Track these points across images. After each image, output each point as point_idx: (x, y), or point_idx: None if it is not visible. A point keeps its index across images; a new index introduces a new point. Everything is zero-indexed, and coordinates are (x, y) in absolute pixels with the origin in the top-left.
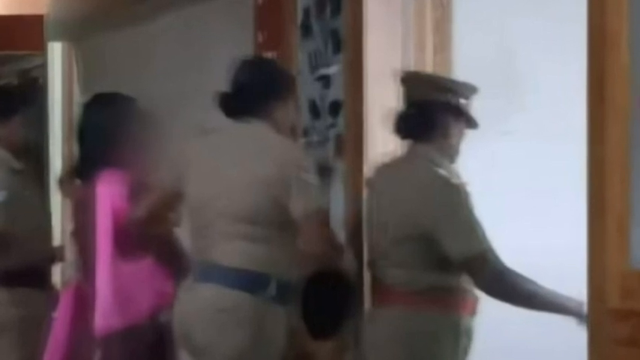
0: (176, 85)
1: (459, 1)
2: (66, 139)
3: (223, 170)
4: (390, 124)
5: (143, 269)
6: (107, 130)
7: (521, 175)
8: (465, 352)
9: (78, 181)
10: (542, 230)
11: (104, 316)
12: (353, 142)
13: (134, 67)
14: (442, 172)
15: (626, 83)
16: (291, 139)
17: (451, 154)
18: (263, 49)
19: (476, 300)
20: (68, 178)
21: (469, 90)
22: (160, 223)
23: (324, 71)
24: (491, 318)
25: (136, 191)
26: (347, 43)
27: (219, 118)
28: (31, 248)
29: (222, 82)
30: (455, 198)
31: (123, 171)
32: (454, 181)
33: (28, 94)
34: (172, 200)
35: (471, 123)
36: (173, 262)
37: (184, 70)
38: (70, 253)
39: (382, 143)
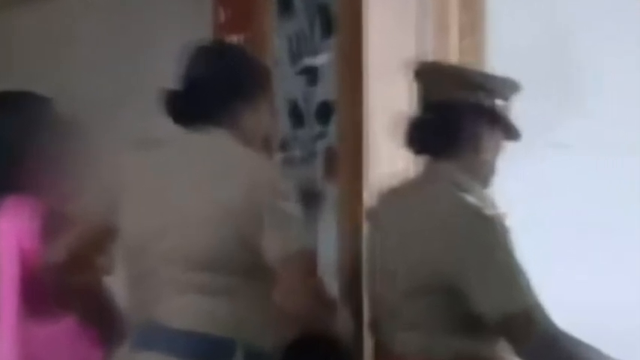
0: (107, 82)
1: None
2: None
3: (171, 197)
4: (399, 134)
5: (62, 333)
6: (12, 142)
7: (581, 202)
8: None
9: None
10: (606, 277)
11: None
12: (349, 158)
13: (49, 56)
14: (472, 199)
15: None
16: (265, 153)
17: (484, 175)
18: (225, 31)
19: None
20: None
21: (508, 88)
22: (85, 269)
23: (309, 62)
24: None
25: (51, 226)
26: (341, 24)
27: (165, 125)
28: None
29: (169, 78)
30: (489, 235)
31: (33, 198)
32: (488, 211)
33: None
34: (101, 239)
35: (511, 132)
36: (103, 323)
37: (118, 59)
38: None
39: (389, 160)
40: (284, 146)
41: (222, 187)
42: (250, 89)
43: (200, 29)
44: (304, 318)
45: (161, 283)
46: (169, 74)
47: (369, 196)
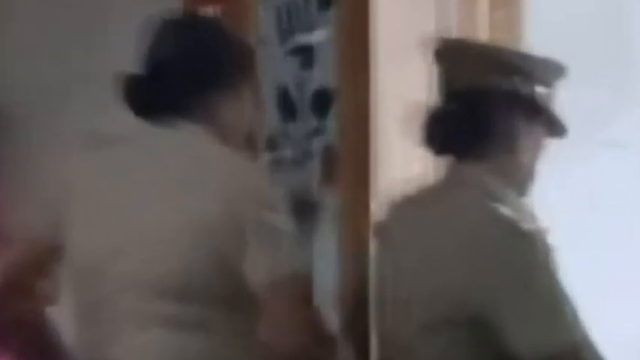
0: (52, 66)
1: None
2: None
3: (131, 209)
4: (415, 130)
5: None
6: None
7: (638, 213)
8: None
9: None
10: None
11: None
12: (353, 160)
13: None
14: (506, 210)
15: None
16: (247, 154)
17: (521, 180)
18: (199, 1)
19: None
20: None
21: (552, 72)
22: (24, 297)
23: (303, 39)
24: None
25: None
26: None
27: (123, 119)
28: None
29: (129, 60)
30: (527, 255)
31: None
32: (526, 226)
33: None
34: (44, 260)
35: (555, 127)
36: None
37: (65, 39)
38: None
39: (402, 162)
40: (272, 145)
41: (195, 197)
42: (229, 73)
43: None
44: (296, 356)
45: (118, 315)
46: (129, 56)
47: (378, 207)
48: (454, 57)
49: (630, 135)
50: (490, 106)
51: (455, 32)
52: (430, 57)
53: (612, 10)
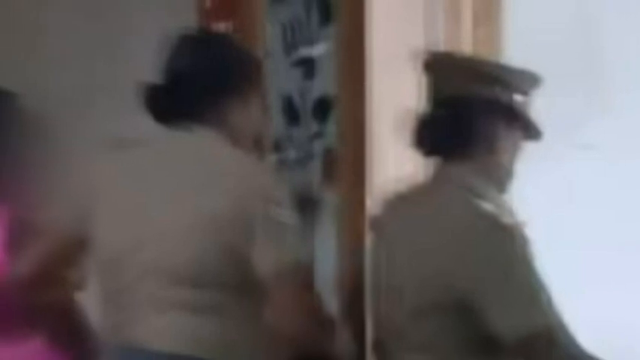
0: (79, 74)
1: None
2: None
3: (150, 205)
4: (406, 134)
5: (30, 354)
6: None
7: (609, 210)
8: None
9: None
10: (636, 295)
11: None
12: (350, 161)
13: (14, 46)
14: (487, 206)
15: None
16: (255, 155)
17: (501, 178)
18: (212, 18)
19: None
20: None
21: (528, 81)
22: (55, 284)
23: (305, 52)
24: None
25: (17, 236)
26: (341, 10)
27: (144, 123)
28: None
29: (149, 70)
30: (506, 247)
31: None
32: (505, 220)
33: None
34: (72, 251)
35: (531, 131)
36: (74, 344)
37: (91, 51)
38: None
39: (394, 162)
40: (277, 147)
41: (208, 194)
42: (239, 83)
43: (183, 16)
44: (299, 340)
45: (139, 301)
46: (149, 67)
47: (373, 204)
48: (441, 68)
49: (600, 138)
50: (473, 112)
51: (442, 46)
52: (420, 68)
53: (583, 25)
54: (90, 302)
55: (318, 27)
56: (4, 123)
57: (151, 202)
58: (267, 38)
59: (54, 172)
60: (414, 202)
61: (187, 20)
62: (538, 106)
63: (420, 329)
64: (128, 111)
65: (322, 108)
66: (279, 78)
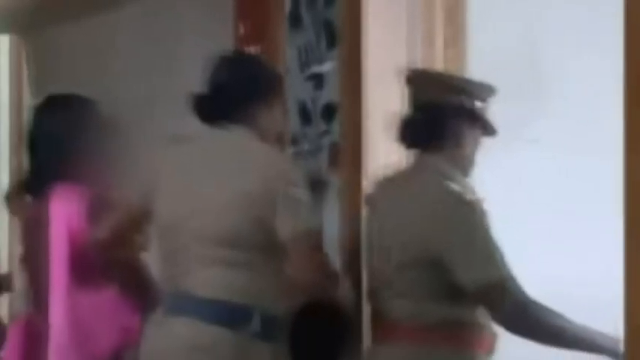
0: (143, 86)
1: None
2: (14, 149)
3: (198, 185)
4: (393, 131)
5: (105, 301)
6: (62, 138)
7: (548, 190)
8: None
9: (28, 198)
10: (572, 255)
11: (59, 356)
12: (350, 152)
13: (93, 64)
14: (455, 186)
15: None
16: (278, 148)
17: (465, 165)
18: (244, 43)
19: (494, 336)
20: (17, 194)
21: (486, 91)
22: (125, 246)
23: (316, 69)
24: (511, 357)
25: (96, 209)
26: (343, 37)
27: (193, 124)
28: None
29: (196, 82)
30: (469, 217)
31: (81, 186)
32: (468, 197)
33: None
34: (139, 220)
35: (489, 129)
36: (140, 292)
37: (152, 68)
38: (19, 282)
39: (384, 153)
40: (294, 141)
41: (242, 176)
42: (266, 93)
43: (222, 41)
44: (312, 288)
45: (190, 258)
46: (197, 80)
47: (367, 184)
48: (419, 81)
49: (542, 135)
50: (444, 115)
51: (420, 64)
52: (403, 81)
53: (528, 46)
54: (152, 259)
55: (325, 50)
56: (87, 124)
57: (198, 183)
58: (287, 58)
59: (125, 161)
60: (398, 183)
61: (226, 44)
62: (494, 110)
63: (403, 280)
64: (181, 114)
65: (329, 112)
66: (295, 89)
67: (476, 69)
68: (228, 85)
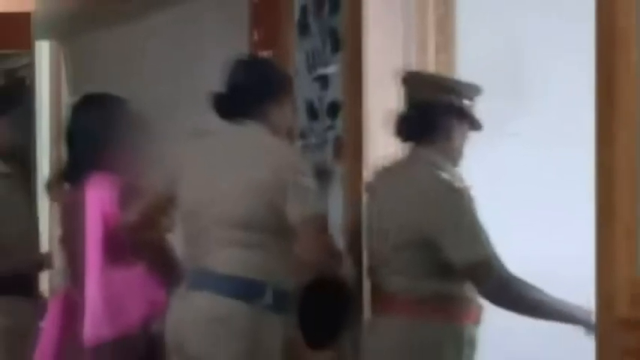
0: (168, 86)
1: None
2: (54, 142)
3: (218, 174)
4: (390, 126)
5: (135, 277)
6: (97, 132)
7: (529, 179)
8: None
9: (67, 185)
10: (549, 237)
11: (94, 326)
12: (352, 145)
13: (124, 66)
14: (445, 175)
15: (636, 85)
16: (288, 141)
17: (454, 157)
18: (259, 48)
19: (480, 308)
20: (57, 182)
21: (473, 91)
22: (152, 228)
23: (322, 71)
24: (495, 327)
25: (127, 195)
26: (346, 42)
27: (213, 119)
28: (17, 255)
29: (216, 83)
30: (458, 202)
31: (113, 175)
32: (457, 185)
33: (15, 95)
34: (165, 205)
35: (475, 125)
36: (165, 269)
37: (177, 70)
38: (58, 260)
39: (382, 146)
40: (303, 135)
41: (256, 167)
42: (277, 92)
43: (239, 46)
44: (318, 265)
45: (210, 239)
46: (216, 80)
47: (367, 174)
48: (414, 82)
49: (523, 129)
50: (436, 112)
51: (414, 67)
52: (399, 82)
53: (512, 50)
54: (176, 240)
55: (330, 54)
56: (119, 120)
57: (218, 173)
58: (296, 62)
59: (152, 152)
60: (395, 173)
61: (242, 49)
62: (480, 107)
63: (399, 258)
64: (202, 111)
65: (333, 109)
66: (304, 89)
67: (464, 71)
68: (244, 85)
